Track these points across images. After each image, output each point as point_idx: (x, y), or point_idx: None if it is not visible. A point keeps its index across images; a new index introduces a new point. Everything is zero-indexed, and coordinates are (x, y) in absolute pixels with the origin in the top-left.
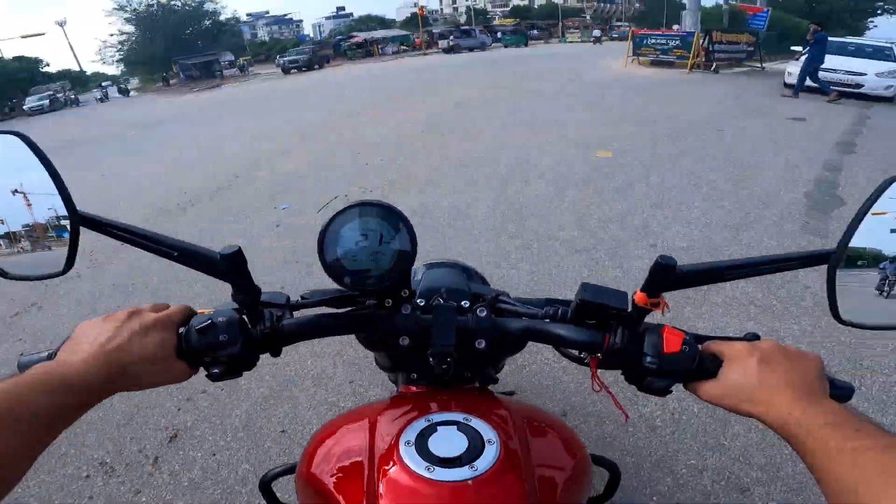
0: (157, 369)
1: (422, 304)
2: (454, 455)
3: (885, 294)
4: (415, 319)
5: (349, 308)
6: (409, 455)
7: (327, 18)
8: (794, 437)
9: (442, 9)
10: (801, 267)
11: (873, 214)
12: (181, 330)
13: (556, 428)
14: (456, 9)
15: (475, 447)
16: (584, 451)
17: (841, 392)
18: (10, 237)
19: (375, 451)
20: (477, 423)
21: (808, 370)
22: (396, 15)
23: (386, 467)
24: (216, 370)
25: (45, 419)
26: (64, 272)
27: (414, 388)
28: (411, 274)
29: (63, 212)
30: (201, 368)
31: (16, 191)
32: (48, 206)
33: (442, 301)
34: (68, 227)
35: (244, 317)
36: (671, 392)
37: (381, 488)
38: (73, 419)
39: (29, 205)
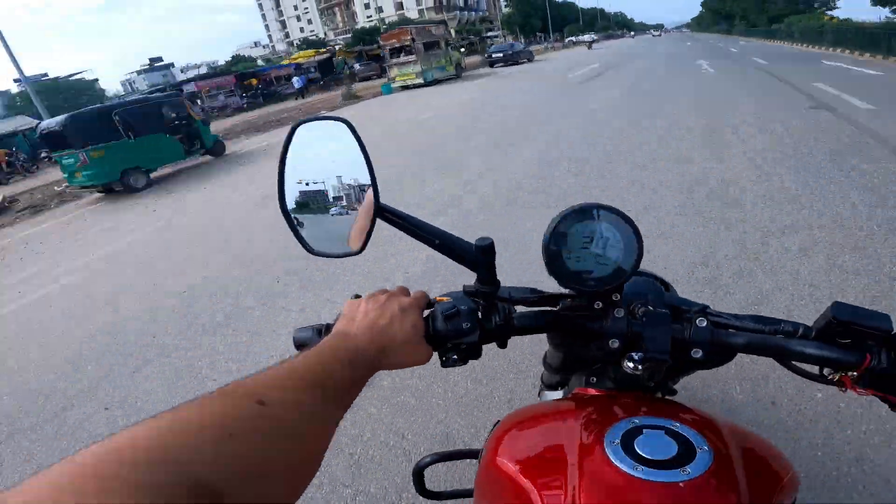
0: (408, 350)
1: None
2: (664, 458)
3: None
4: (627, 324)
5: (558, 306)
6: (615, 453)
7: (140, 73)
8: None
9: (274, 45)
10: None
11: None
12: (426, 314)
13: (761, 443)
14: (291, 42)
15: (686, 452)
16: (793, 470)
17: None
18: (324, 213)
19: (577, 446)
20: (685, 429)
21: None
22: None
23: (590, 463)
24: (453, 356)
25: (344, 390)
26: (358, 252)
27: (592, 391)
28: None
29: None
30: (436, 354)
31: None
32: (357, 190)
33: (650, 308)
34: (371, 213)
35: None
36: None
37: (587, 484)
38: (358, 393)
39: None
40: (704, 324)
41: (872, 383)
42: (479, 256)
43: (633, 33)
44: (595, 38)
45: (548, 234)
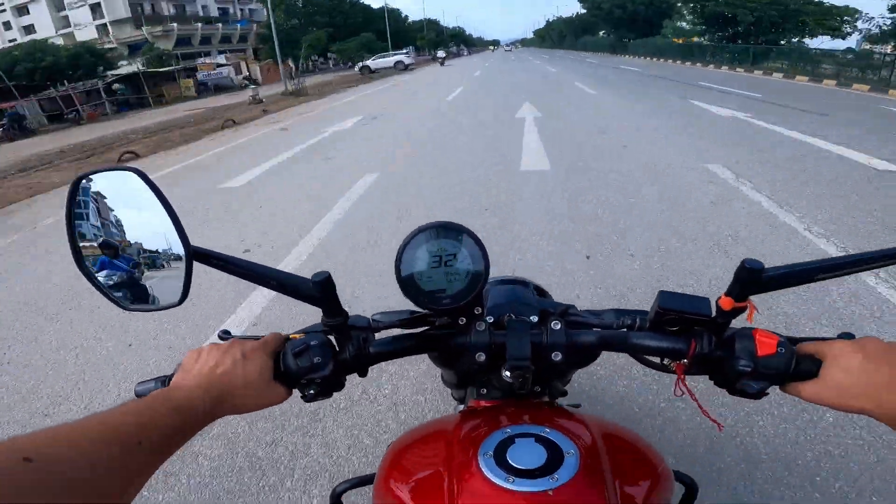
0: (257, 393)
1: (491, 320)
2: (534, 466)
3: None
4: (489, 336)
5: (425, 327)
6: (488, 466)
7: None
8: None
9: None
10: (888, 265)
11: None
12: (280, 354)
13: (633, 441)
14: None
15: (554, 458)
16: (664, 463)
17: None
18: (133, 270)
19: (454, 463)
20: (554, 434)
21: None
22: None
23: (466, 479)
24: (311, 391)
25: (163, 441)
26: (180, 303)
27: (483, 403)
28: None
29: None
30: (296, 391)
31: (132, 226)
32: (163, 240)
33: (513, 317)
34: (184, 260)
35: (333, 340)
36: (767, 394)
37: (463, 500)
38: (184, 441)
39: (143, 240)
40: (559, 326)
41: (700, 367)
42: (318, 292)
43: (467, 51)
44: (444, 54)
45: (396, 261)
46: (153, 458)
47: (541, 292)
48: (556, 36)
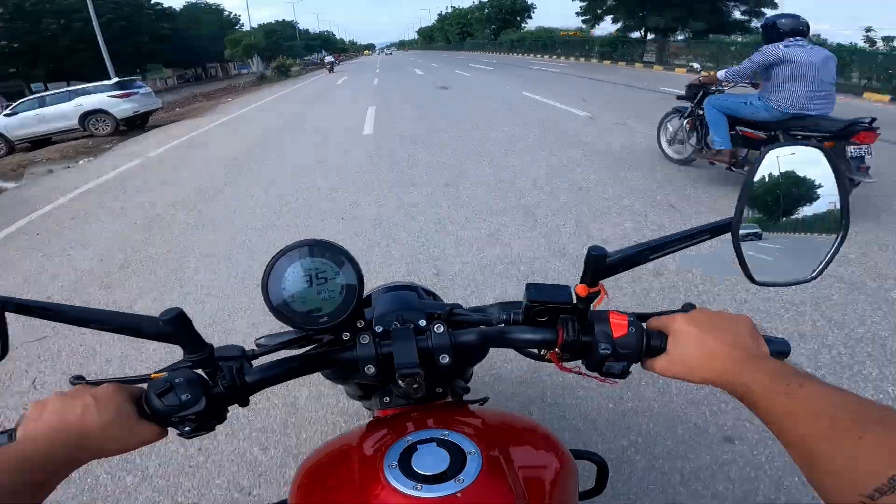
0: (120, 435)
1: (379, 330)
2: (438, 471)
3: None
4: (375, 347)
5: (309, 346)
6: (394, 477)
7: None
8: (746, 396)
9: None
10: (710, 237)
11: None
12: (142, 394)
13: (532, 430)
14: None
15: (457, 460)
16: (563, 448)
17: (779, 348)
18: None
19: (362, 478)
20: (455, 436)
21: (741, 331)
22: None
23: (376, 493)
24: (187, 428)
25: (13, 498)
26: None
27: (389, 412)
28: (363, 303)
29: None
30: (171, 428)
31: None
32: None
33: (399, 325)
34: None
35: (202, 373)
36: (630, 373)
37: None
38: (43, 495)
39: None
40: (441, 329)
41: (572, 354)
42: (171, 329)
43: (330, 58)
44: (334, 59)
45: (264, 287)
46: None
47: (429, 294)
48: (454, 35)
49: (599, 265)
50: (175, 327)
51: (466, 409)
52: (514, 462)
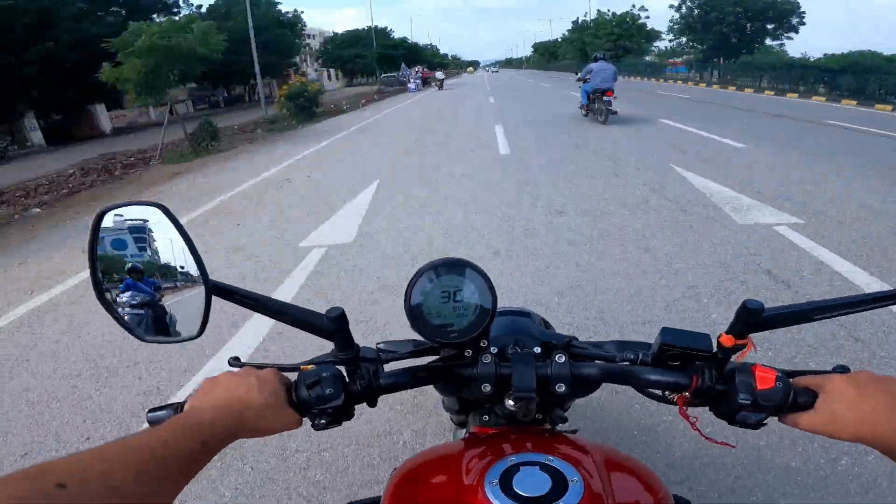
0: (271, 417)
1: (495, 351)
2: (539, 494)
3: None
4: (496, 368)
5: (433, 358)
6: (494, 494)
7: None
8: None
9: None
10: (883, 306)
11: None
12: (292, 383)
13: (635, 467)
14: None
15: (559, 486)
16: (665, 489)
17: None
18: (155, 293)
19: (460, 490)
20: (559, 462)
21: None
22: None
23: None
24: (322, 420)
25: (185, 464)
26: (197, 336)
27: (488, 430)
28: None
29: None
30: (306, 419)
31: (155, 259)
32: (184, 273)
33: (519, 350)
34: (203, 294)
35: (344, 372)
36: (765, 425)
37: None
38: (205, 463)
39: (165, 272)
40: (563, 360)
41: (701, 400)
42: (332, 326)
43: (412, 74)
44: (443, 75)
45: (406, 296)
46: (174, 484)
47: (545, 324)
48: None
49: (752, 318)
50: (335, 325)
51: (566, 438)
52: (615, 495)
